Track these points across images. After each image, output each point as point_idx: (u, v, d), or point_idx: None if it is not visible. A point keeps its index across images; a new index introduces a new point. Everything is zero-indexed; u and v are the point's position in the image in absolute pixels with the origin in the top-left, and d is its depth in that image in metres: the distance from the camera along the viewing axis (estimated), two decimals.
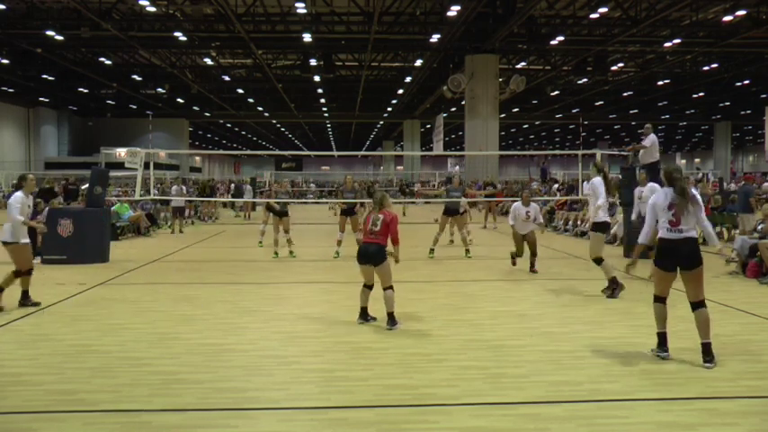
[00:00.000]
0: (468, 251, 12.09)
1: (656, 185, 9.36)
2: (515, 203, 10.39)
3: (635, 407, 4.21)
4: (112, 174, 20.35)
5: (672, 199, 5.16)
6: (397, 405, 4.28)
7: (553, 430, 3.84)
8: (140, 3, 22.17)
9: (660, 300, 5.30)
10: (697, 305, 5.12)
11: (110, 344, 5.78)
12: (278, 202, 12.53)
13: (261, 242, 13.70)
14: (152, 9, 23.03)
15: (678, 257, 5.12)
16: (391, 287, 6.35)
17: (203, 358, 5.33)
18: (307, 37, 25.47)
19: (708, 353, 5.05)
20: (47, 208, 11.80)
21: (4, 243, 7.29)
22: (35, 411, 4.14)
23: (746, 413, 4.10)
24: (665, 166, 6.06)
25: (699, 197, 5.31)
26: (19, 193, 7.34)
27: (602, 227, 8.11)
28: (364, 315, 6.54)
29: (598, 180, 8.04)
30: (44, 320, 6.75)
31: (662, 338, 5.33)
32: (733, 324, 6.55)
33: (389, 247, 6.43)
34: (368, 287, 6.51)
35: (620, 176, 14.01)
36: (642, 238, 5.42)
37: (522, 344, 5.79)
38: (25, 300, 7.40)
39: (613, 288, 7.94)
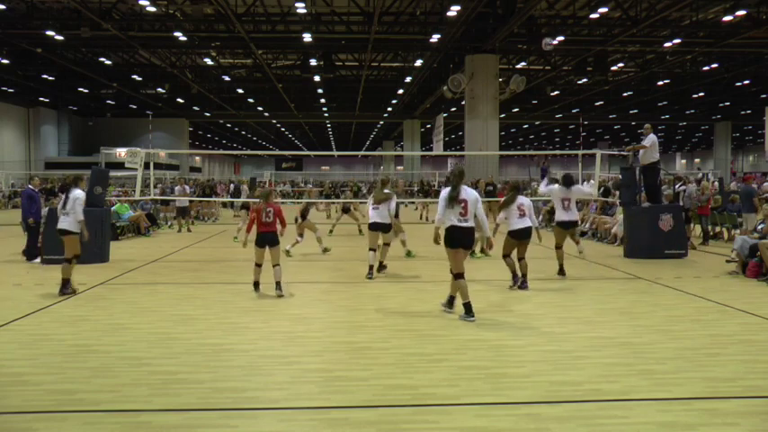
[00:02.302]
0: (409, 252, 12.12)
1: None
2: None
3: (635, 407, 4.21)
4: (112, 174, 20.33)
5: (458, 195, 6.53)
6: (397, 405, 4.28)
7: (553, 430, 3.84)
8: (140, 3, 22.12)
9: (460, 276, 6.65)
10: (461, 276, 6.67)
11: (110, 344, 5.78)
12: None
13: (236, 237, 14.83)
14: (152, 9, 22.99)
15: (464, 240, 6.66)
16: (279, 263, 8.18)
17: (203, 358, 5.33)
18: (307, 37, 25.45)
19: (468, 310, 6.63)
20: (48, 208, 11.79)
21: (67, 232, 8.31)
22: (35, 411, 4.14)
23: (746, 413, 4.10)
24: (452, 168, 7.18)
25: (475, 193, 6.74)
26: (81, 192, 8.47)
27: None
28: (257, 286, 8.33)
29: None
30: (44, 320, 6.75)
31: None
32: (733, 324, 6.54)
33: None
34: (260, 266, 8.30)
35: (621, 176, 14.00)
36: (437, 224, 6.70)
37: (522, 344, 5.79)
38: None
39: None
